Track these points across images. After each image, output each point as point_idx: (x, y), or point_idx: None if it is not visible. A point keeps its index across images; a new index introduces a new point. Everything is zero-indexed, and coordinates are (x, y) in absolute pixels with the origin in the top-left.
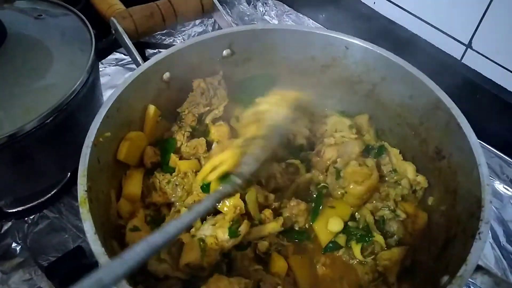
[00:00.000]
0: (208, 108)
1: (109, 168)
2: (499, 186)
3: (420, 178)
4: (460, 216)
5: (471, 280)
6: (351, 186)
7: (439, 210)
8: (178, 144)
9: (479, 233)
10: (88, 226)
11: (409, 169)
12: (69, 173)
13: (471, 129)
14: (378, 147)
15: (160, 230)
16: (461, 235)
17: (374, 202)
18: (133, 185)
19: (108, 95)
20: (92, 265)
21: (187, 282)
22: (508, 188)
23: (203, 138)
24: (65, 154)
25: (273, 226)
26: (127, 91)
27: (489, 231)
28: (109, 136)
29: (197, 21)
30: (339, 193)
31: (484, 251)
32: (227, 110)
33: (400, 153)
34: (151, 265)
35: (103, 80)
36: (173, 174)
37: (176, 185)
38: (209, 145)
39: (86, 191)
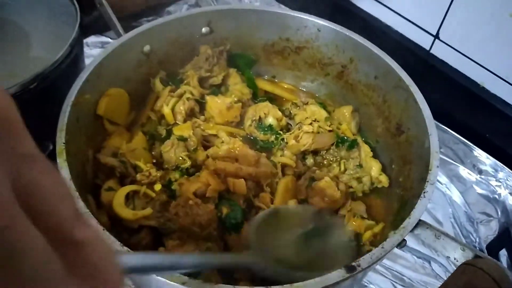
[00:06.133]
0: (209, 74)
1: (88, 129)
2: (463, 172)
3: (383, 178)
4: (413, 183)
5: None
6: (315, 198)
7: (397, 182)
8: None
9: (424, 193)
10: (65, 173)
11: (375, 167)
12: (51, 146)
13: (426, 104)
14: (351, 140)
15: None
16: (411, 199)
17: None
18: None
19: None
20: None
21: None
22: (471, 172)
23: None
24: (47, 122)
25: None
26: (108, 59)
27: (451, 212)
28: (89, 99)
29: (184, 8)
30: (302, 197)
31: (446, 230)
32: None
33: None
34: (126, 214)
35: (88, 61)
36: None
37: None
38: None
39: (64, 143)
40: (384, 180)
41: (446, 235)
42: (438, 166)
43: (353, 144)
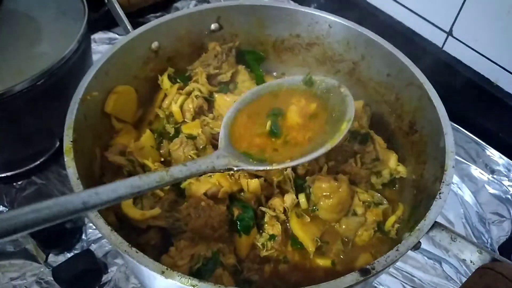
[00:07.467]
0: (217, 71)
1: (96, 126)
2: (475, 171)
3: (401, 168)
4: (427, 183)
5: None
6: (321, 202)
7: (411, 179)
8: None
9: (440, 193)
10: (71, 172)
11: (392, 158)
12: (58, 142)
13: (441, 102)
14: (363, 134)
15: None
16: (426, 199)
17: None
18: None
19: None
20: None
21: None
22: (483, 172)
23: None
24: (54, 119)
25: None
26: (116, 55)
27: (463, 212)
28: (97, 96)
29: (192, 3)
30: (312, 208)
31: (457, 230)
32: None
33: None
34: (134, 213)
35: (95, 57)
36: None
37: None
38: None
39: (71, 141)
40: (402, 170)
41: (463, 237)
42: (453, 167)
43: (366, 138)
